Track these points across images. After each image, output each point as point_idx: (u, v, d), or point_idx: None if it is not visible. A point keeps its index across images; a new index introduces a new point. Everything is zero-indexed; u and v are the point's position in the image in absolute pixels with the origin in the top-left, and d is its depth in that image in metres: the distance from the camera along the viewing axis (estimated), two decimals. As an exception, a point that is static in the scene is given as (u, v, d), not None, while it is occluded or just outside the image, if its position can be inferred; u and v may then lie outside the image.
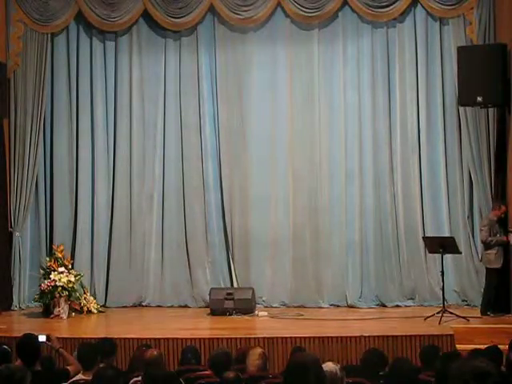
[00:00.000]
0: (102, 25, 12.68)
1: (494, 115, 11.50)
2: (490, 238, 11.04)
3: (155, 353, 7.23)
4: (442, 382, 4.80)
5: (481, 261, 11.49)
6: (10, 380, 5.33)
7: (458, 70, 11.28)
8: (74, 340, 9.70)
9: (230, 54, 12.77)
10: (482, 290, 11.34)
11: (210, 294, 12.05)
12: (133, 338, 9.91)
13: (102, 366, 6.86)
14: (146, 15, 12.72)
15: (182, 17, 12.56)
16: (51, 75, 12.87)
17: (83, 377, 6.70)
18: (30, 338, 7.15)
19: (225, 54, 12.78)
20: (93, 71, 12.94)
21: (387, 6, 12.11)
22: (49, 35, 12.68)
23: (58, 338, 8.13)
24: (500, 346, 7.44)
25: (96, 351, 7.40)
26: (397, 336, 9.79)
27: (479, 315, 10.97)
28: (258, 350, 7.57)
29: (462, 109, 11.71)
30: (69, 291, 11.77)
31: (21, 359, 6.70)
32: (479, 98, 10.94)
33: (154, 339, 9.80)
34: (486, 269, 11.20)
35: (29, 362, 6.55)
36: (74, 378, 6.68)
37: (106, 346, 7.82)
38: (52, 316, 11.68)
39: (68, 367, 7.18)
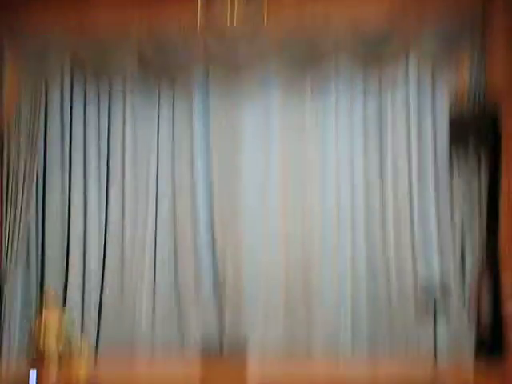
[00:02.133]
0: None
1: (485, 161, 11.62)
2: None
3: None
4: None
5: None
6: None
7: (450, 117, 11.72)
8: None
9: (224, 121, 12.86)
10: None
11: (201, 340, 12.07)
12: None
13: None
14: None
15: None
16: (45, 121, 12.92)
17: None
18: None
19: (219, 121, 12.88)
20: (86, 137, 13.03)
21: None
22: (43, 89, 12.68)
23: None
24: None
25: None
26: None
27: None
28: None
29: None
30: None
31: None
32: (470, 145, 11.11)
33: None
34: None
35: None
36: None
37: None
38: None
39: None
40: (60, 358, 11.63)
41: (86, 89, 13.01)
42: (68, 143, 13.01)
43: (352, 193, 12.67)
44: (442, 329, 11.81)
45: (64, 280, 12.87)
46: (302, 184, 12.79)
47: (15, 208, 12.42)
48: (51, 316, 11.68)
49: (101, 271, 12.91)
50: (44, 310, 11.81)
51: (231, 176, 12.86)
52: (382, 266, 12.50)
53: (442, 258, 12.34)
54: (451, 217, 12.30)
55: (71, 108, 13.01)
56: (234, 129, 12.88)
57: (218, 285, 12.77)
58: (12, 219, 12.39)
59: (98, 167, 13.04)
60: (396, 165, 12.55)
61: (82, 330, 12.59)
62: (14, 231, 12.38)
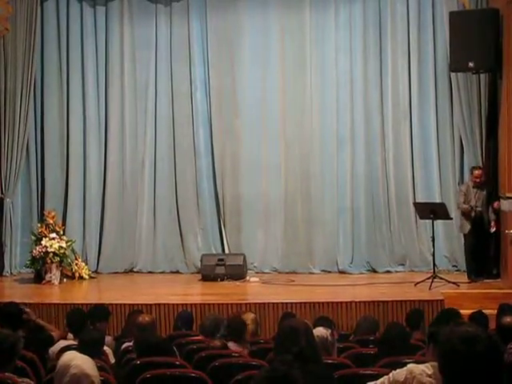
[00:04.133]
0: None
1: (485, 80, 11.44)
2: (460, 205, 11.11)
3: (147, 318, 7.26)
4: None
5: None
6: (1, 345, 5.36)
7: (450, 35, 11.20)
8: (66, 306, 9.72)
9: (221, 19, 12.68)
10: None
11: (201, 260, 12.07)
12: (125, 304, 9.93)
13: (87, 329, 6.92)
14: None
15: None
16: (41, 40, 12.76)
17: (73, 342, 6.72)
18: (12, 307, 7.24)
19: (216, 19, 12.70)
20: (83, 37, 12.86)
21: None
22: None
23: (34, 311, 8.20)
24: (489, 311, 7.52)
25: (85, 316, 7.46)
26: (387, 301, 9.84)
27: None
28: (251, 316, 7.63)
29: (453, 74, 11.64)
30: (60, 257, 11.77)
31: (4, 326, 6.73)
32: (471, 64, 10.89)
33: (146, 305, 9.82)
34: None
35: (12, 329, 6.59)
36: (63, 344, 6.71)
37: (99, 312, 7.91)
38: (43, 282, 11.69)
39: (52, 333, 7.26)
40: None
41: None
42: (65, 60, 12.86)
43: (351, 108, 12.49)
44: (440, 245, 11.86)
45: (64, 198, 12.87)
46: (301, 98, 12.61)
47: (13, 126, 12.34)
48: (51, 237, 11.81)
49: (101, 188, 12.88)
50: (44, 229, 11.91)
51: (231, 89, 12.71)
52: (381, 181, 12.43)
53: (441, 174, 12.28)
54: (451, 131, 12.21)
55: (67, 18, 12.84)
56: (232, 39, 12.69)
57: (218, 201, 12.77)
58: (11, 136, 12.33)
59: (96, 84, 12.93)
60: (396, 79, 12.37)
61: (82, 250, 12.66)
62: (13, 148, 12.33)
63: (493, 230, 10.90)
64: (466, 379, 2.66)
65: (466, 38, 10.90)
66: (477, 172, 11.13)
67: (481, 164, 11.42)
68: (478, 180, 11.08)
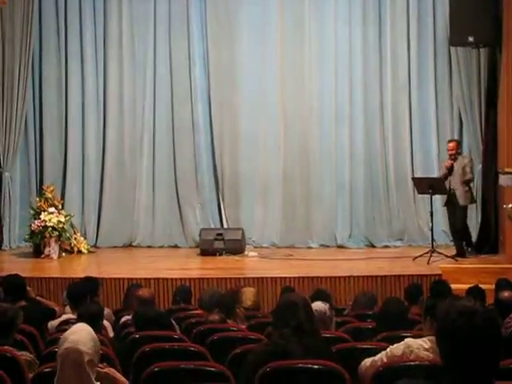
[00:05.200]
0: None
1: (485, 54, 11.40)
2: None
3: (146, 292, 7.27)
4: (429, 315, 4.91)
5: None
6: (1, 318, 5.37)
7: (450, 9, 11.17)
8: (65, 280, 9.74)
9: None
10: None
11: (200, 235, 12.09)
12: (123, 278, 9.94)
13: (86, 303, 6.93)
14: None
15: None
16: (39, 15, 12.69)
17: (72, 316, 6.74)
18: (18, 279, 7.31)
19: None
20: (82, 11, 12.78)
21: None
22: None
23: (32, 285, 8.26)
24: (487, 286, 7.54)
25: (85, 290, 7.46)
26: (385, 276, 9.86)
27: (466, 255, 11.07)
28: (252, 289, 7.67)
29: (453, 48, 11.61)
30: (59, 231, 11.78)
31: (7, 296, 6.79)
32: (470, 38, 10.85)
33: (145, 279, 9.84)
34: None
35: (14, 299, 6.67)
36: (62, 318, 6.73)
37: (88, 284, 7.89)
38: (42, 256, 11.70)
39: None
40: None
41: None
42: (64, 34, 12.80)
43: (350, 83, 12.46)
44: (438, 220, 11.85)
45: (63, 172, 12.86)
46: (300, 72, 12.56)
47: (12, 100, 12.31)
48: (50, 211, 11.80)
49: (100, 162, 12.87)
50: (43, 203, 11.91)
51: (229, 64, 12.66)
52: (379, 156, 12.42)
53: (440, 149, 12.26)
54: (450, 106, 12.19)
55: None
56: (231, 11, 12.63)
57: (216, 176, 12.77)
58: (9, 111, 12.29)
59: (95, 59, 12.87)
60: (395, 53, 12.31)
61: (81, 224, 12.67)
62: (11, 123, 12.30)
63: None
64: (464, 353, 2.67)
65: (466, 12, 10.86)
66: (449, 145, 11.12)
67: (480, 139, 11.42)
68: (451, 152, 11.04)
